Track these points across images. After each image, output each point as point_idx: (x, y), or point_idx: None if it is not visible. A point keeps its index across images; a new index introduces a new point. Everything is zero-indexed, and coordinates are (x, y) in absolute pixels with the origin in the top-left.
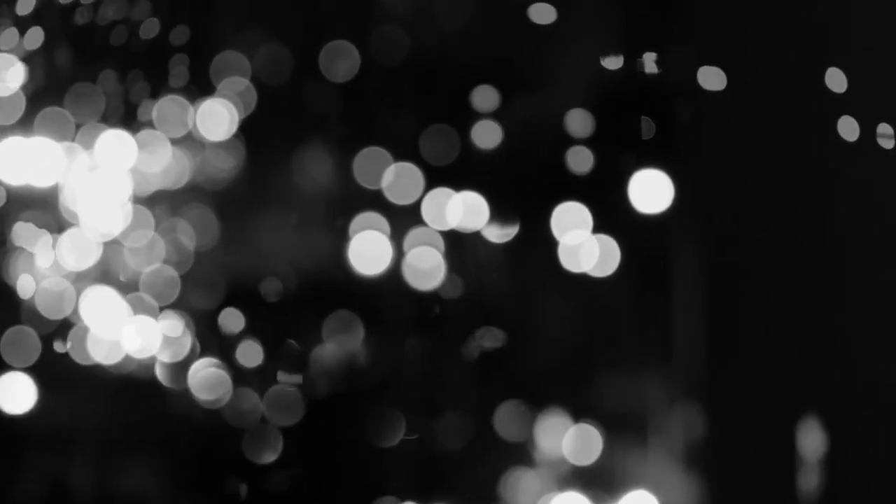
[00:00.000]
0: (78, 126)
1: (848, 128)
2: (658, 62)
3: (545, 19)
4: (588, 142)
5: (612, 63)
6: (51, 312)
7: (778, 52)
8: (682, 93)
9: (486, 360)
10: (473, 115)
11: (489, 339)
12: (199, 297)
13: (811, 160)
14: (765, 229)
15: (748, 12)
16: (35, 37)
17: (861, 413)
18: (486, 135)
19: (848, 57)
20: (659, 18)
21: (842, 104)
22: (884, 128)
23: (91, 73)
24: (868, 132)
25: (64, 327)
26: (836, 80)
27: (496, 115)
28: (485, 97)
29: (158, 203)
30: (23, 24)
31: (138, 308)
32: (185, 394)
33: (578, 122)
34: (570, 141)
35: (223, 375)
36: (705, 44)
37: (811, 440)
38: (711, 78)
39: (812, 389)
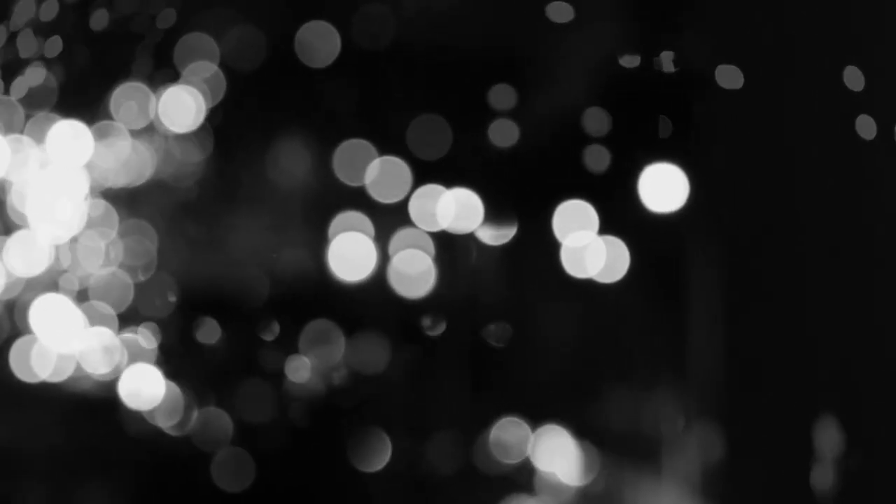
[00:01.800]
0: (27, 117)
1: (865, 126)
2: (672, 46)
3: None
4: (594, 132)
5: (622, 48)
6: None
7: (801, 43)
8: (699, 78)
9: (481, 376)
10: (466, 105)
11: (497, 334)
12: (162, 305)
13: (839, 157)
14: (792, 231)
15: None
16: None
17: None
18: (481, 126)
19: (869, 54)
20: (673, 4)
21: (861, 102)
22: None
23: (42, 56)
24: (887, 131)
25: (9, 340)
26: (854, 78)
27: (492, 105)
28: (480, 85)
29: (117, 201)
30: None
31: (94, 318)
32: (147, 414)
33: (583, 110)
34: (575, 132)
35: (188, 394)
36: (723, 31)
37: (842, 466)
38: (730, 65)
39: (844, 408)
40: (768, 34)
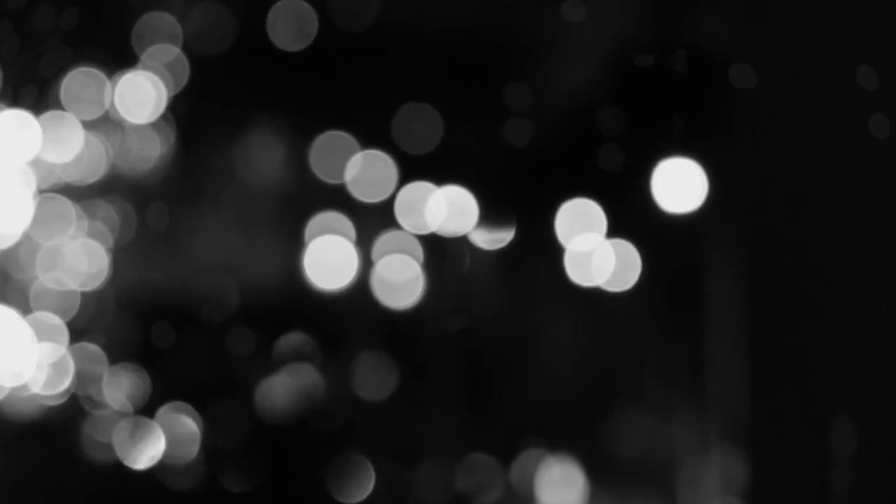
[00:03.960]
0: None
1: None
2: (688, 32)
3: None
4: (603, 125)
5: (634, 35)
6: None
7: (829, 33)
8: (717, 66)
9: (475, 398)
10: (459, 93)
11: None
12: (119, 317)
13: (870, 154)
14: (824, 234)
15: None
16: None
17: None
18: (476, 117)
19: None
20: None
21: (878, 100)
22: None
23: None
24: None
25: None
26: (868, 77)
27: (488, 93)
28: (475, 71)
29: (68, 200)
30: None
31: (41, 332)
32: (105, 444)
33: (591, 101)
34: (581, 124)
35: (150, 422)
36: (743, 16)
37: (874, 494)
38: (751, 52)
39: (877, 431)
40: (795, 20)
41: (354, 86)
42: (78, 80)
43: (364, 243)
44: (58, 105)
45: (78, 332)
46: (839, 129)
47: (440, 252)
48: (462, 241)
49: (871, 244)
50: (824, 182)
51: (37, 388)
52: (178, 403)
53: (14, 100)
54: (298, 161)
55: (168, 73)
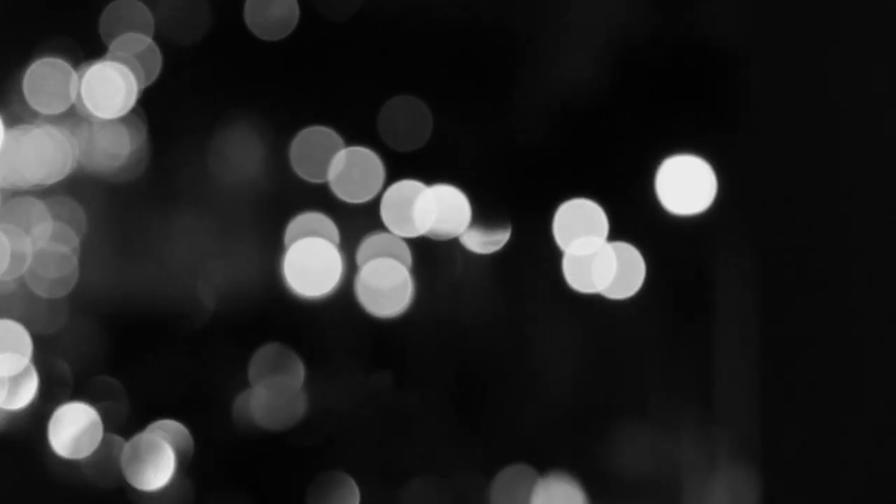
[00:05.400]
0: None
1: None
2: (695, 23)
3: None
4: (605, 121)
5: (639, 21)
6: None
7: (847, 23)
8: (730, 62)
9: (467, 412)
10: (450, 86)
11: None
12: (86, 326)
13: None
14: (837, 238)
15: None
16: None
17: None
18: (468, 111)
19: None
20: None
21: None
22: None
23: None
24: None
25: None
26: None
27: (481, 85)
28: (467, 61)
29: (31, 201)
30: None
31: (2, 342)
32: (72, 463)
33: (592, 95)
34: (581, 119)
35: (117, 438)
36: (754, 5)
37: None
38: (765, 46)
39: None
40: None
41: (338, 78)
42: (41, 72)
43: (348, 247)
44: (20, 99)
45: (42, 341)
46: (861, 125)
47: (430, 256)
48: (453, 245)
49: (893, 251)
50: (843, 182)
51: None
52: (150, 418)
53: None
54: (278, 159)
55: (139, 64)
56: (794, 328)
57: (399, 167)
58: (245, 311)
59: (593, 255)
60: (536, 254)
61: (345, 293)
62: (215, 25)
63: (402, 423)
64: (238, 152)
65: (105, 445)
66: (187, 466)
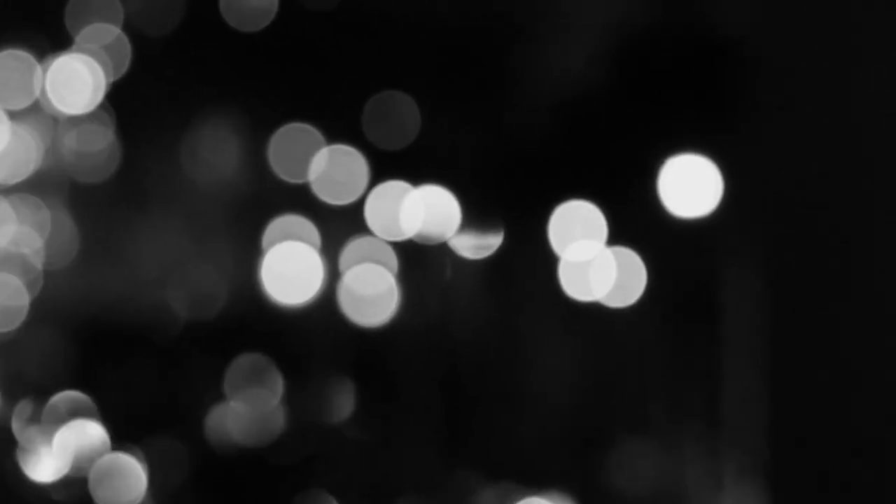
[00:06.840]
0: None
1: None
2: (701, 15)
3: None
4: (604, 118)
5: (642, 12)
6: None
7: (862, 16)
8: (736, 56)
9: (456, 429)
10: (439, 81)
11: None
12: (50, 334)
13: None
14: (849, 241)
15: None
16: None
17: None
18: (458, 107)
19: None
20: None
21: None
22: None
23: None
24: None
25: None
26: None
27: (474, 81)
28: (457, 55)
29: None
30: None
31: None
32: (39, 486)
33: (590, 91)
34: (579, 116)
35: (91, 457)
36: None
37: None
38: (775, 39)
39: None
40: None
41: (320, 72)
42: (3, 64)
43: (330, 251)
44: None
45: (5, 352)
46: (875, 122)
47: (417, 261)
48: (443, 249)
49: None
50: (855, 182)
51: None
52: (119, 434)
53: None
54: (256, 157)
55: (107, 57)
56: (804, 339)
57: (385, 166)
58: (220, 319)
59: (591, 260)
60: (531, 259)
61: (327, 301)
62: (189, 16)
63: (387, 439)
64: (213, 151)
65: (73, 464)
66: (158, 485)
